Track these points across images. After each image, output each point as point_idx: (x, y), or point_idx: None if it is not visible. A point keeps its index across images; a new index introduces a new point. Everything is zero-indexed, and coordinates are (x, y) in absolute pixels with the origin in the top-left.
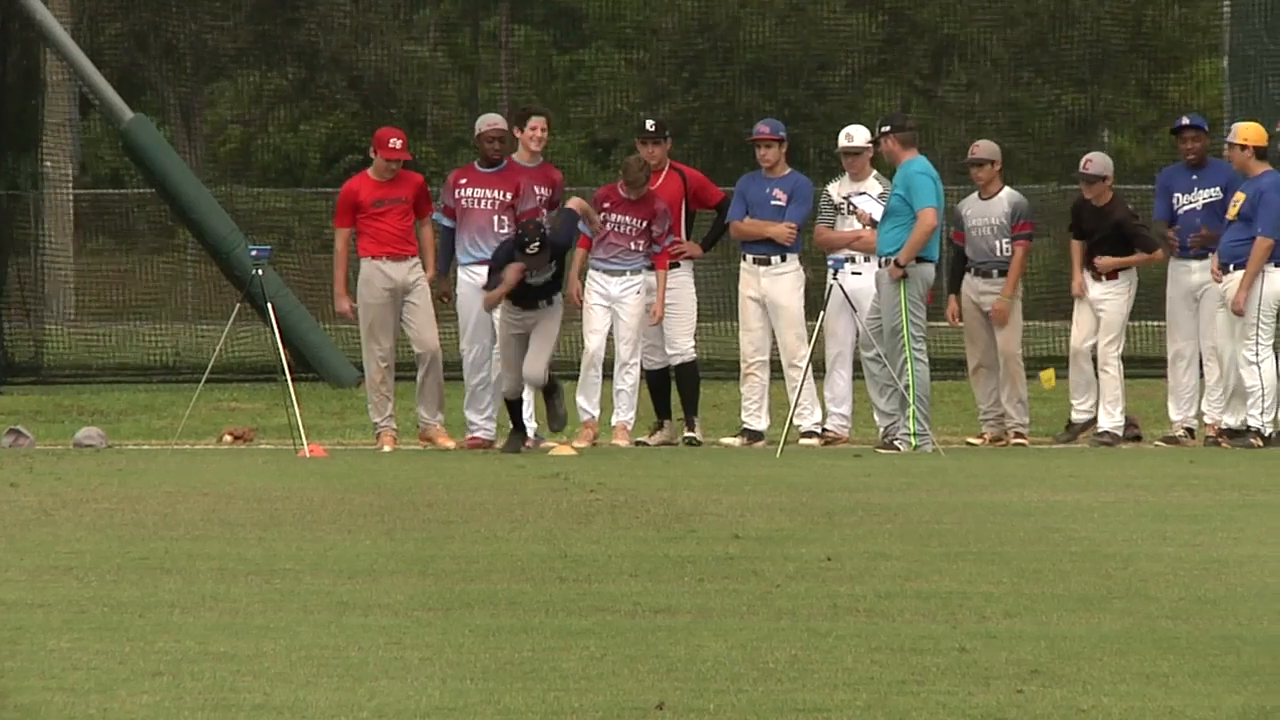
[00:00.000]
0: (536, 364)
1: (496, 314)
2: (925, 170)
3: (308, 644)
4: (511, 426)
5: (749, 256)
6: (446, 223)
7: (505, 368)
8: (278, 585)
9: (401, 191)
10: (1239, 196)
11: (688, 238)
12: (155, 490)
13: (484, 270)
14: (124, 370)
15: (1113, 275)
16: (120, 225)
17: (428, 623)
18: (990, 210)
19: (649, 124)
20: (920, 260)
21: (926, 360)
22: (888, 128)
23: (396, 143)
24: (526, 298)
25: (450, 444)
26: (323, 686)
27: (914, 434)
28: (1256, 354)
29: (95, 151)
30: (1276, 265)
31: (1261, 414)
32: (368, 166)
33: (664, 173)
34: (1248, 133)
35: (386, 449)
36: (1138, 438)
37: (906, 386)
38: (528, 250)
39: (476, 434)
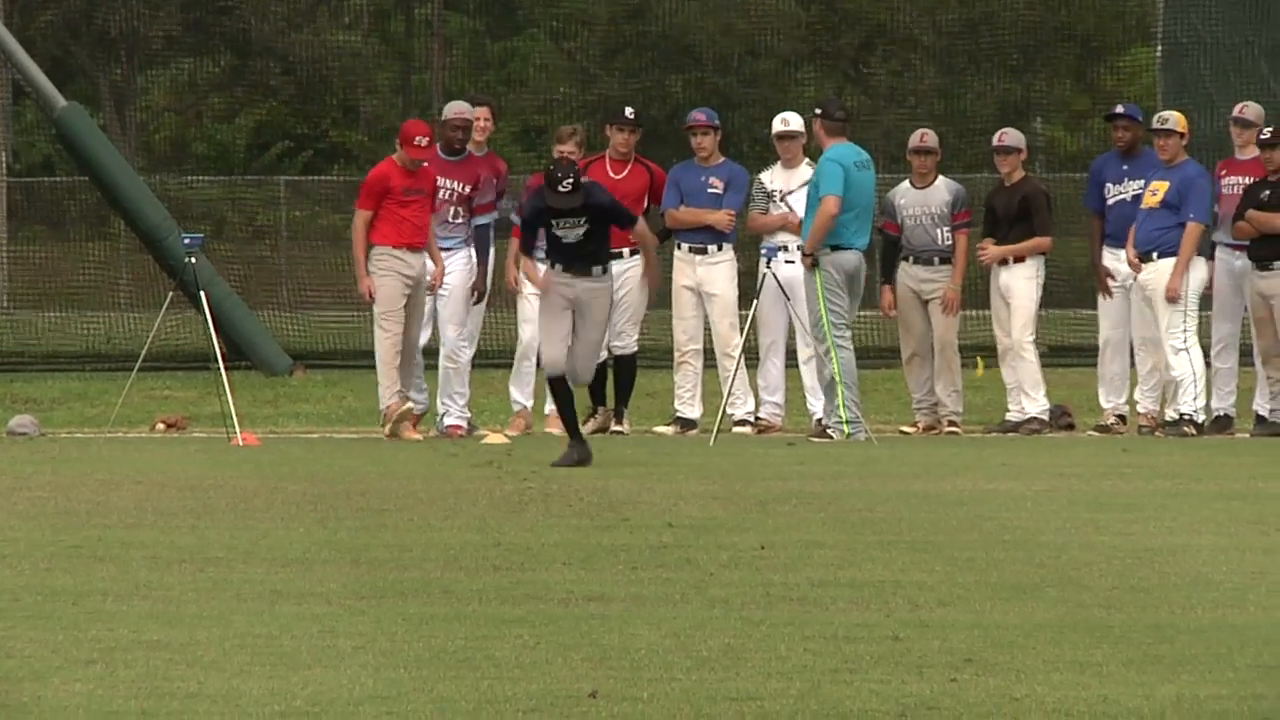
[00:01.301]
0: (587, 362)
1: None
2: (836, 158)
3: (241, 632)
4: (565, 429)
5: (684, 245)
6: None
7: (546, 339)
8: (211, 574)
9: (426, 184)
10: (1157, 185)
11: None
12: (88, 478)
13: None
14: (57, 358)
15: (1019, 259)
16: (53, 213)
17: (361, 611)
18: (929, 199)
19: (628, 111)
20: (836, 248)
21: (851, 347)
22: (819, 111)
23: (422, 140)
24: (575, 260)
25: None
26: (256, 675)
27: (846, 421)
28: (1184, 341)
29: (28, 139)
30: (1200, 255)
31: (1194, 399)
32: (302, 152)
33: (630, 164)
34: (1181, 121)
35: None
36: (1070, 426)
37: (833, 376)
38: (559, 187)
39: (452, 422)
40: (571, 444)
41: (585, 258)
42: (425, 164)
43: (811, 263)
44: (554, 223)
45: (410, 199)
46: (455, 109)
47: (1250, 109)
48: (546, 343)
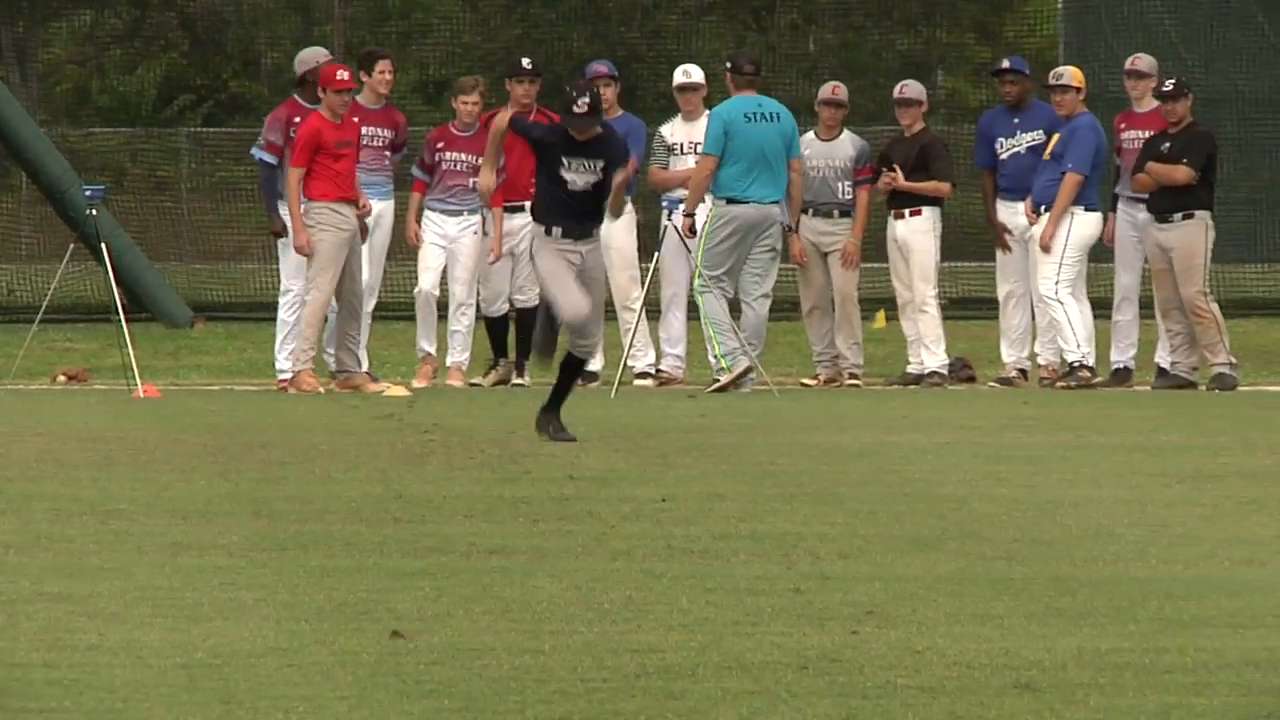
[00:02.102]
0: (593, 329)
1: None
2: (721, 113)
3: (142, 584)
4: (552, 391)
5: None
6: (269, 159)
7: (561, 292)
8: (113, 526)
9: (353, 135)
10: (1055, 138)
11: None
12: None
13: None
14: None
15: (916, 212)
16: None
17: (262, 563)
18: (833, 152)
19: (525, 62)
20: (732, 201)
21: (716, 290)
22: (728, 65)
23: (344, 74)
24: (578, 219)
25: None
26: (157, 627)
27: (721, 356)
28: (1055, 292)
29: None
30: (1088, 209)
31: (1077, 347)
32: (203, 104)
33: (532, 115)
34: (1077, 76)
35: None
36: (971, 379)
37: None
38: (574, 107)
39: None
40: (550, 415)
41: (588, 215)
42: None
43: (690, 225)
44: (566, 162)
45: (343, 151)
46: (318, 57)
47: (1143, 60)
48: (564, 293)
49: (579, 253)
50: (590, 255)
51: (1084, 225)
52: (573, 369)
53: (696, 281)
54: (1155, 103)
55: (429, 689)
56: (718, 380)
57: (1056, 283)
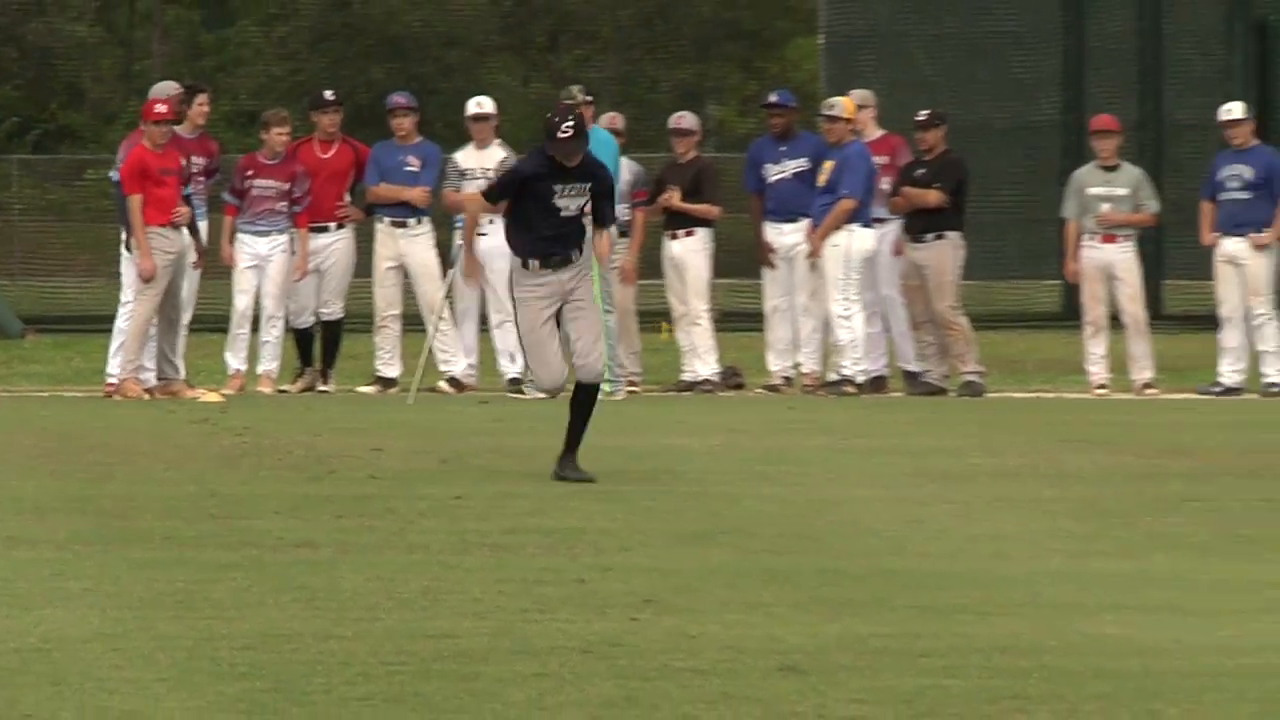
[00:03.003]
0: (594, 350)
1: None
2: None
3: None
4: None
5: (386, 219)
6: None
7: (538, 360)
8: None
9: (174, 163)
10: (828, 165)
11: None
12: None
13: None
14: None
15: (690, 233)
16: None
17: (89, 556)
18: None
19: (328, 94)
20: None
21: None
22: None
23: (162, 108)
24: (555, 246)
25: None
26: None
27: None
28: (847, 310)
29: None
30: (865, 226)
31: (854, 364)
32: (31, 131)
33: (336, 144)
34: (849, 107)
35: (137, 395)
36: (740, 386)
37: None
38: (559, 133)
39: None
40: (568, 460)
41: (572, 239)
42: (188, 136)
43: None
44: (556, 189)
45: (165, 178)
46: (166, 89)
47: (857, 95)
48: (540, 363)
49: (560, 281)
50: (574, 281)
51: (862, 241)
52: (583, 404)
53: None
54: (880, 131)
55: (242, 671)
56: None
57: (846, 300)
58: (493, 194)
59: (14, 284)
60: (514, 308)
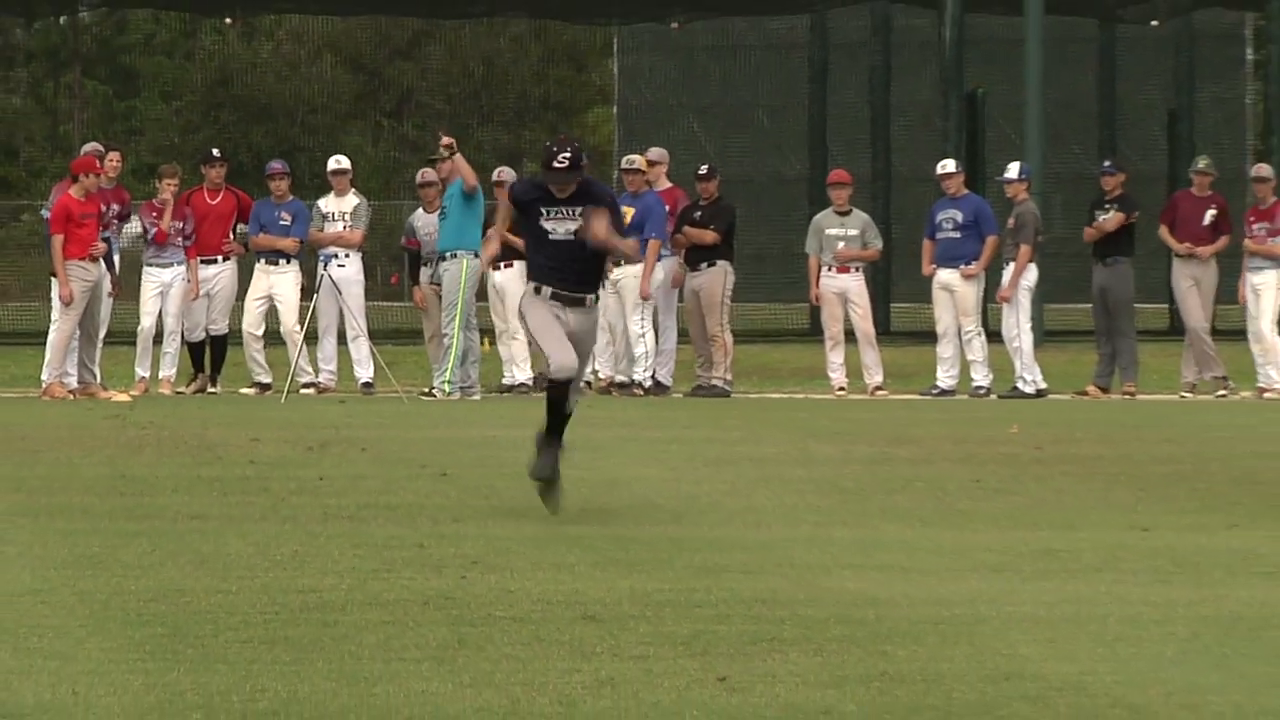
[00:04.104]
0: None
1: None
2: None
3: None
4: (545, 428)
5: (263, 259)
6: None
7: (549, 342)
8: None
9: (94, 208)
10: (628, 210)
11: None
12: None
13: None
14: None
15: (509, 265)
16: None
17: (21, 526)
18: (434, 222)
19: (215, 151)
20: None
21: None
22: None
23: (96, 165)
24: (559, 278)
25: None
26: None
27: (448, 382)
28: (642, 328)
29: None
30: (663, 259)
31: (644, 371)
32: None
33: (222, 191)
34: (644, 162)
35: (58, 396)
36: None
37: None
38: (554, 164)
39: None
40: (547, 454)
41: (579, 276)
42: (104, 186)
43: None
44: (545, 211)
45: (86, 221)
46: (91, 149)
47: (654, 152)
48: (552, 346)
49: (564, 316)
50: (578, 323)
51: (657, 272)
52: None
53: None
54: (668, 184)
55: (146, 619)
56: (432, 394)
57: (642, 320)
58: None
59: None
60: (523, 323)
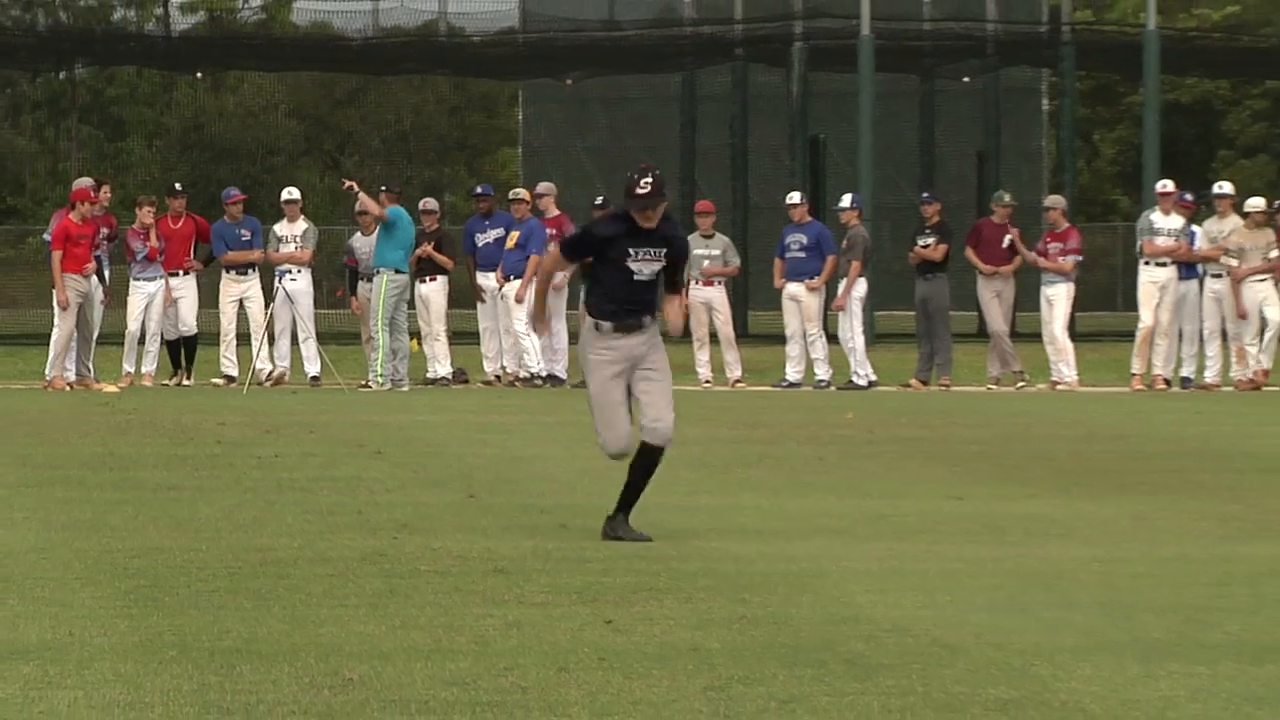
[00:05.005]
0: (665, 416)
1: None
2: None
3: None
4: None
5: (232, 271)
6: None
7: (605, 423)
8: None
9: (90, 230)
10: (514, 234)
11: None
12: None
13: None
14: None
15: (434, 278)
16: None
17: (27, 495)
18: (371, 243)
19: (177, 186)
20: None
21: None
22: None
23: (92, 195)
24: (628, 310)
25: (113, 388)
26: None
27: (380, 375)
28: (526, 330)
29: None
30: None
31: (535, 365)
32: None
33: (184, 217)
34: (527, 194)
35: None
36: (465, 381)
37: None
38: (638, 190)
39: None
40: (620, 517)
41: (645, 305)
42: (96, 213)
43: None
44: (632, 252)
45: (81, 241)
46: (85, 182)
47: (544, 185)
48: (606, 426)
49: (630, 346)
50: (645, 347)
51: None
52: (646, 467)
53: (385, 326)
54: (556, 211)
55: (130, 573)
56: (366, 385)
57: (525, 324)
58: (566, 247)
59: None
60: (585, 371)
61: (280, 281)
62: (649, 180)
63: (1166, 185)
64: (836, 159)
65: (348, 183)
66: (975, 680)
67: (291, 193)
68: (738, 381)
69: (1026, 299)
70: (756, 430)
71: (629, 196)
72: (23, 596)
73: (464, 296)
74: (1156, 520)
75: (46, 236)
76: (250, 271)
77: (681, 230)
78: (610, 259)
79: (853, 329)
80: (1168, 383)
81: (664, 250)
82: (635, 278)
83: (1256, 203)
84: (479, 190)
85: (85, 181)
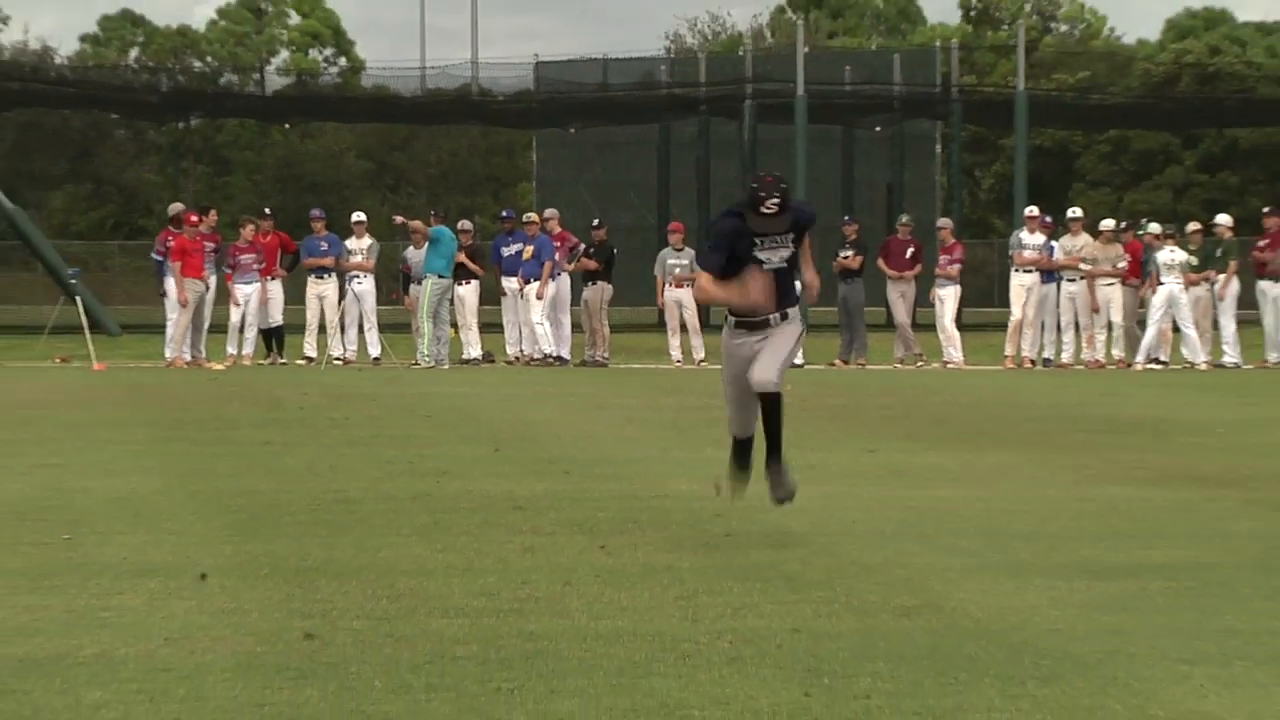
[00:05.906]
0: (760, 368)
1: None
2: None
3: (92, 460)
4: (736, 466)
5: (313, 275)
6: (158, 257)
7: (732, 409)
8: (75, 431)
9: (200, 245)
10: (529, 248)
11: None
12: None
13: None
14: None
15: (468, 282)
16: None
17: (153, 450)
18: (421, 255)
19: (266, 210)
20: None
21: (441, 328)
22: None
23: (194, 217)
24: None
25: (220, 366)
26: (102, 479)
27: (426, 354)
28: (542, 321)
29: None
30: (554, 278)
31: (548, 349)
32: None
33: (270, 234)
34: (536, 217)
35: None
36: (492, 361)
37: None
38: (762, 208)
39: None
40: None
41: (775, 302)
42: (204, 231)
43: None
44: (758, 241)
45: (195, 253)
46: (178, 208)
47: (549, 211)
48: (733, 411)
49: (752, 341)
50: (772, 334)
51: (551, 287)
52: (762, 411)
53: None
54: (560, 229)
55: (233, 509)
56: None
57: (542, 316)
58: (707, 264)
59: (117, 308)
60: (723, 359)
61: (350, 284)
62: (775, 200)
63: (1032, 210)
64: None
65: (399, 218)
66: (885, 591)
67: (359, 215)
68: (702, 361)
69: (923, 297)
70: (717, 399)
71: (752, 209)
72: (149, 528)
73: (491, 296)
74: (1025, 469)
75: (154, 255)
76: (328, 275)
77: (801, 202)
78: (739, 254)
79: None
80: (1033, 363)
81: (790, 235)
82: (765, 267)
83: (1108, 223)
84: (503, 214)
85: (178, 207)
